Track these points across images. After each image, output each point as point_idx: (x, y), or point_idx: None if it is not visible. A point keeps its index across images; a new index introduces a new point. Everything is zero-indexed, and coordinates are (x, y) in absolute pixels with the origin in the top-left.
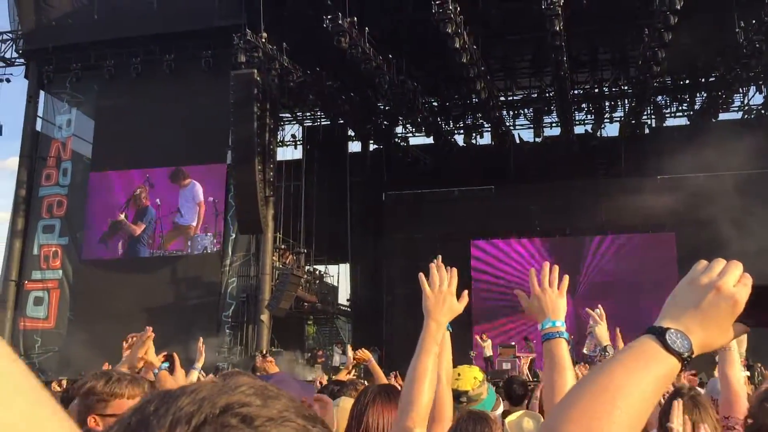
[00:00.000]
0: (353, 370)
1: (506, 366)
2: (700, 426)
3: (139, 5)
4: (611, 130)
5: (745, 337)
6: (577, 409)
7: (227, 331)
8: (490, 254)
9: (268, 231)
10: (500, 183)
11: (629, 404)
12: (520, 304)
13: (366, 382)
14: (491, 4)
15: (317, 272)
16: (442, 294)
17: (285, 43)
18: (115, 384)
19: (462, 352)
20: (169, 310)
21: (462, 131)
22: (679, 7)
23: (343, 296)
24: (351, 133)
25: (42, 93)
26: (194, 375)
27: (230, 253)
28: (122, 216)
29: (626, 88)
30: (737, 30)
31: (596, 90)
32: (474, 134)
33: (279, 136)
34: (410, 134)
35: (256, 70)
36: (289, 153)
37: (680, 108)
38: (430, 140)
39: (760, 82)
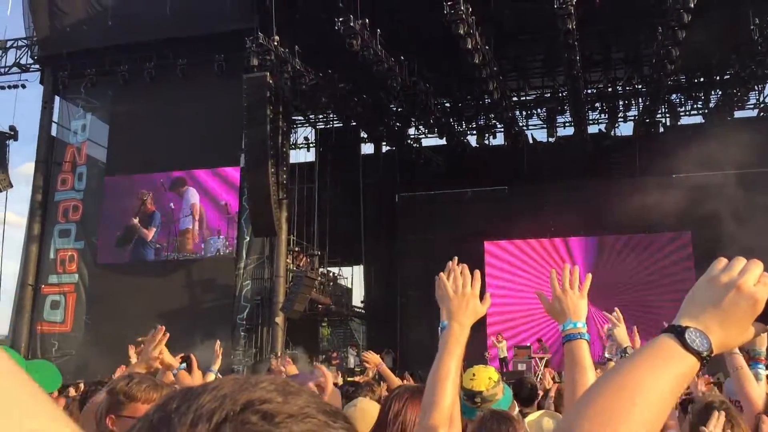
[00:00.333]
0: (369, 373)
1: (521, 367)
2: None
3: (153, 10)
4: (625, 129)
5: (764, 336)
6: (595, 407)
7: (242, 333)
8: (503, 255)
9: (281, 233)
10: (514, 183)
11: (647, 402)
12: (534, 305)
13: (381, 383)
14: (503, 5)
15: (331, 274)
16: (466, 296)
17: (297, 46)
18: (135, 386)
19: (477, 354)
20: (184, 313)
21: (475, 132)
22: (692, 5)
23: (357, 298)
24: (364, 135)
25: (57, 98)
26: (211, 377)
27: (244, 256)
28: (136, 220)
29: (640, 86)
30: (752, 27)
31: (610, 89)
32: (487, 135)
33: (292, 139)
34: (423, 135)
35: (268, 74)
36: (302, 155)
37: (695, 106)
38: (442, 141)
39: None
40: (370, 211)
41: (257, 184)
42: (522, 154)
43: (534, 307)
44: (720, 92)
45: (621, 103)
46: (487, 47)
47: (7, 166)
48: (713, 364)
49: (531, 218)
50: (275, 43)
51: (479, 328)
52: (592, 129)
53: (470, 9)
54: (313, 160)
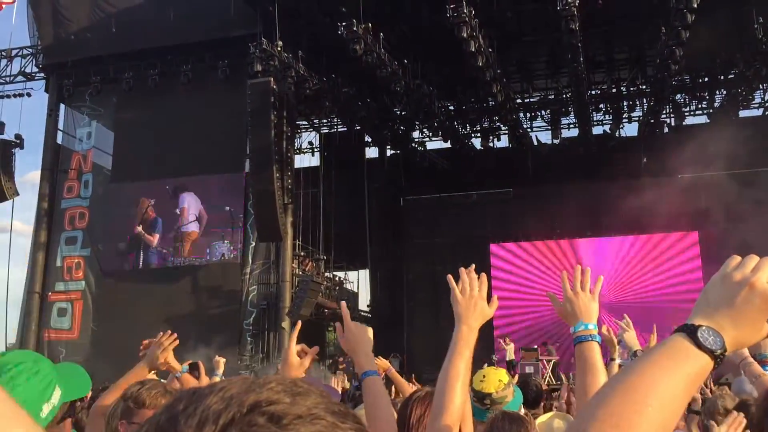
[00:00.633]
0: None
1: (529, 369)
2: None
3: (156, 17)
4: (630, 129)
5: None
6: (607, 408)
7: (248, 339)
8: (509, 257)
9: (287, 238)
10: (518, 185)
11: (660, 402)
12: (541, 307)
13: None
14: (506, 7)
15: (337, 278)
16: (474, 299)
17: (300, 51)
18: (145, 392)
19: (484, 356)
20: (191, 319)
21: (479, 134)
22: (696, 5)
23: (364, 302)
24: (368, 138)
25: (62, 106)
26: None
27: (250, 261)
28: (139, 228)
29: (644, 87)
30: (756, 26)
31: (614, 90)
32: (491, 137)
33: (296, 144)
34: (427, 139)
35: (272, 79)
36: (306, 160)
37: (700, 106)
38: (447, 144)
39: None
40: (375, 214)
41: (262, 189)
42: (526, 156)
43: (540, 309)
44: (724, 92)
45: (625, 103)
46: (490, 49)
47: (13, 175)
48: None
49: (536, 220)
50: (278, 49)
51: (486, 330)
52: (597, 130)
53: (473, 11)
54: (318, 164)
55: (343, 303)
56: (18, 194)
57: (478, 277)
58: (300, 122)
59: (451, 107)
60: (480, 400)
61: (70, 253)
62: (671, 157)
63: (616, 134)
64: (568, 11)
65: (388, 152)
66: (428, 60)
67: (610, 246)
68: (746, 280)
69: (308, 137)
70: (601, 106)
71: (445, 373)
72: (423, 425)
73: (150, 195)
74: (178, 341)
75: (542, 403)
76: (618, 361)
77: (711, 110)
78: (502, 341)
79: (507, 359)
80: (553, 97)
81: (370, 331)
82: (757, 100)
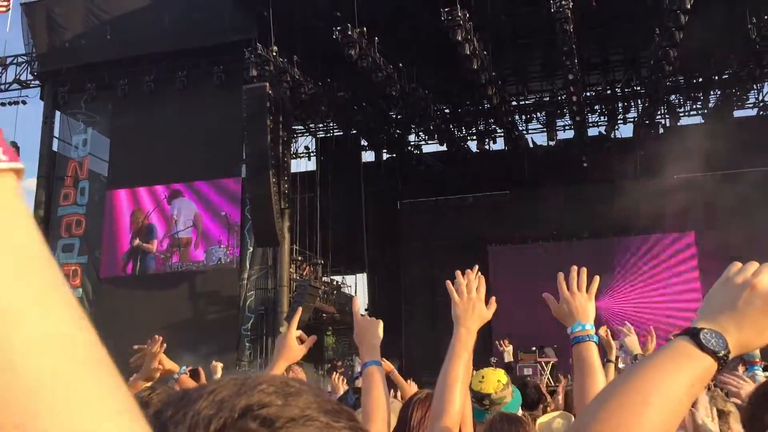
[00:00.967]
0: None
1: (527, 371)
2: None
3: (151, 24)
4: (625, 131)
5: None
6: (609, 408)
7: (247, 344)
8: (506, 259)
9: (284, 243)
10: (515, 188)
11: (662, 403)
12: (539, 309)
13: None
14: (500, 10)
15: (335, 283)
16: (471, 301)
17: (296, 56)
18: (155, 397)
19: (483, 358)
20: (189, 325)
21: (475, 137)
22: (689, 6)
23: (361, 306)
24: (364, 142)
25: (57, 114)
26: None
27: (248, 266)
28: (137, 241)
29: (639, 88)
30: (749, 26)
31: (608, 91)
32: (487, 140)
33: (292, 149)
34: (423, 142)
35: (267, 84)
36: (303, 165)
37: (694, 106)
38: (443, 147)
39: None
40: (372, 218)
41: (259, 194)
42: (522, 158)
43: (538, 311)
44: (719, 92)
45: (620, 105)
46: (485, 52)
47: None
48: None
49: (533, 222)
50: (274, 54)
51: (484, 333)
52: (592, 132)
53: (467, 15)
54: (314, 169)
55: (355, 298)
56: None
57: (476, 279)
58: (296, 127)
59: (447, 110)
60: (479, 400)
61: (67, 260)
62: (667, 158)
63: (612, 135)
64: (561, 14)
65: (385, 156)
66: (423, 64)
67: (607, 247)
68: (747, 282)
69: (304, 142)
70: (596, 107)
71: (444, 376)
72: (424, 427)
73: (146, 201)
74: (164, 345)
75: (541, 405)
76: (620, 365)
77: (705, 111)
78: (500, 343)
79: (505, 361)
80: (548, 99)
81: (380, 325)
82: (752, 100)
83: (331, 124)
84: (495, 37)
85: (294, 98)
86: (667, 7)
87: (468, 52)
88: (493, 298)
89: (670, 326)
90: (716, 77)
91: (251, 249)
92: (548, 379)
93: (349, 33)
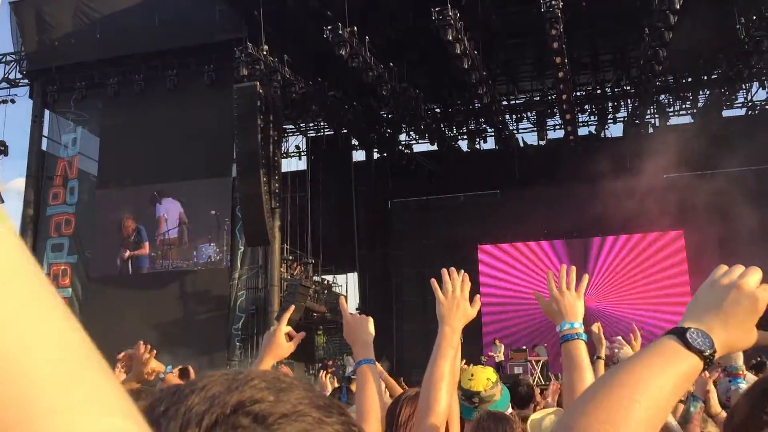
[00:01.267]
0: None
1: (518, 370)
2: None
3: (141, 22)
4: (615, 130)
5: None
6: (595, 404)
7: (237, 344)
8: (497, 259)
9: (275, 242)
10: (505, 187)
11: (648, 400)
12: (529, 308)
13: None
14: (491, 10)
15: (325, 282)
16: (456, 300)
17: (286, 55)
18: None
19: (473, 358)
20: (180, 325)
21: (465, 137)
22: (678, 6)
23: (352, 305)
24: (355, 142)
25: (47, 112)
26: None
27: (239, 266)
28: (127, 253)
29: (628, 88)
30: (738, 26)
31: (599, 91)
32: (478, 139)
33: (283, 148)
34: (414, 141)
35: (258, 83)
36: (293, 164)
37: (684, 106)
38: (434, 147)
39: (763, 78)
40: (363, 218)
41: (249, 193)
42: (513, 157)
43: (528, 310)
44: (708, 92)
45: (610, 104)
46: (475, 52)
47: None
48: None
49: (524, 221)
50: (264, 53)
51: (474, 332)
52: (582, 131)
53: (458, 14)
54: (305, 168)
55: (342, 298)
56: (3, 201)
57: (460, 276)
58: (287, 126)
59: (438, 110)
60: (468, 398)
61: (56, 260)
62: (656, 158)
63: (602, 135)
64: (551, 13)
65: (375, 155)
66: (414, 63)
67: (596, 246)
68: (734, 284)
69: (295, 141)
70: (587, 107)
71: (430, 375)
72: (412, 424)
73: (134, 202)
74: (154, 351)
75: (532, 404)
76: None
77: (695, 110)
78: (494, 343)
79: (496, 360)
80: (538, 98)
81: (371, 322)
82: (740, 99)
83: (322, 124)
84: (485, 36)
85: (285, 97)
86: (656, 8)
87: (458, 52)
88: (478, 296)
89: (658, 325)
90: (705, 77)
91: (242, 248)
92: (539, 377)
93: (340, 32)
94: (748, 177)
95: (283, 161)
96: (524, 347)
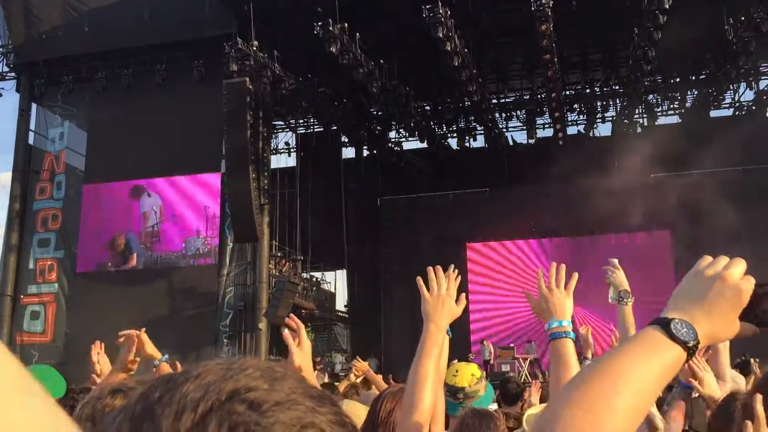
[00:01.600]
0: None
1: (505, 368)
2: None
3: (130, 17)
4: (604, 129)
5: (727, 351)
6: (579, 394)
7: (225, 340)
8: (485, 257)
9: (263, 239)
10: (495, 185)
11: (632, 390)
12: (517, 307)
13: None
14: (482, 8)
15: (314, 279)
16: (441, 298)
17: (276, 51)
18: (109, 399)
19: (461, 355)
20: (167, 321)
21: (455, 135)
22: (667, 6)
23: (341, 302)
24: (344, 139)
25: (34, 106)
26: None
27: (227, 262)
28: (113, 268)
29: (617, 87)
30: (726, 27)
31: (588, 90)
32: (467, 137)
33: (272, 144)
34: (404, 139)
35: (248, 79)
36: (283, 160)
37: (672, 106)
38: (423, 145)
39: (750, 79)
40: (352, 215)
41: (238, 189)
42: (502, 156)
43: (517, 308)
44: (696, 92)
45: (599, 104)
46: (466, 50)
47: None
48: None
49: (512, 220)
50: (254, 49)
51: (462, 329)
52: (571, 130)
53: (449, 12)
54: (295, 164)
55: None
56: None
57: (446, 276)
58: (276, 122)
59: (428, 107)
60: (453, 394)
61: (42, 255)
62: (644, 157)
63: (591, 134)
64: (542, 12)
65: (365, 152)
66: (404, 60)
67: (584, 245)
68: (718, 274)
69: (284, 137)
70: (576, 106)
71: (414, 373)
72: (392, 419)
73: (121, 201)
74: (135, 340)
75: (520, 402)
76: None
77: (683, 110)
78: (483, 342)
79: (484, 359)
80: (528, 97)
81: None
82: (728, 100)
83: (312, 120)
84: (476, 34)
85: (274, 93)
86: (645, 8)
87: (449, 50)
88: (463, 295)
89: (643, 325)
90: (693, 77)
91: (231, 245)
92: (526, 375)
93: (331, 29)
94: (735, 177)
95: (273, 158)
96: (512, 345)
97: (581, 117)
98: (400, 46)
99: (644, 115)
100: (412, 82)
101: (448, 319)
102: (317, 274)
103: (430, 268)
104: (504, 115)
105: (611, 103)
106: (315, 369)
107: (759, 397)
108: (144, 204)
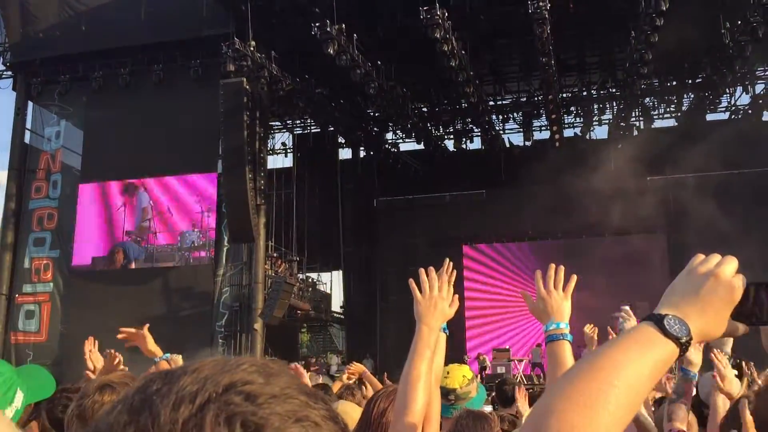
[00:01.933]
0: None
1: (501, 370)
2: None
3: (127, 16)
4: (600, 132)
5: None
6: (573, 387)
7: (220, 341)
8: (482, 258)
9: (259, 239)
10: (491, 187)
11: (625, 385)
12: (513, 308)
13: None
14: (479, 10)
15: (310, 280)
16: (433, 299)
17: (273, 51)
18: (97, 395)
19: (456, 357)
20: (162, 321)
21: (452, 136)
22: (664, 9)
23: (337, 303)
24: (341, 140)
25: (30, 105)
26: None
27: (223, 262)
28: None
29: (614, 90)
30: (723, 31)
31: (584, 93)
32: (464, 139)
33: (269, 145)
34: (400, 140)
35: (245, 79)
36: (279, 161)
37: (668, 109)
38: (420, 146)
39: (747, 83)
40: (348, 216)
41: (234, 190)
42: (499, 158)
43: (513, 310)
44: (692, 95)
45: (595, 106)
46: (463, 52)
47: None
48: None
49: (509, 222)
50: (251, 49)
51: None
52: (568, 132)
53: (446, 14)
54: (291, 165)
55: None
56: None
57: (439, 276)
58: (273, 123)
59: (425, 109)
60: (444, 395)
61: (38, 254)
62: (640, 160)
63: (587, 137)
64: (539, 15)
65: (362, 153)
66: (402, 62)
67: (580, 247)
68: (711, 272)
69: (281, 138)
70: (572, 108)
71: (407, 374)
72: (385, 419)
73: (118, 195)
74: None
75: (516, 404)
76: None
77: (679, 113)
78: (478, 358)
79: (481, 365)
80: (525, 99)
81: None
82: (724, 104)
83: (309, 121)
84: (473, 36)
85: (271, 94)
86: (642, 11)
87: (446, 51)
88: (456, 297)
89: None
90: (690, 81)
91: (227, 245)
92: (521, 377)
93: (328, 29)
94: (731, 180)
95: (269, 158)
96: (507, 347)
97: (578, 119)
98: (397, 48)
99: (640, 118)
100: (409, 83)
101: (440, 321)
102: (313, 275)
103: (422, 270)
104: (501, 117)
105: (608, 105)
106: (309, 370)
107: (745, 402)
108: (140, 201)
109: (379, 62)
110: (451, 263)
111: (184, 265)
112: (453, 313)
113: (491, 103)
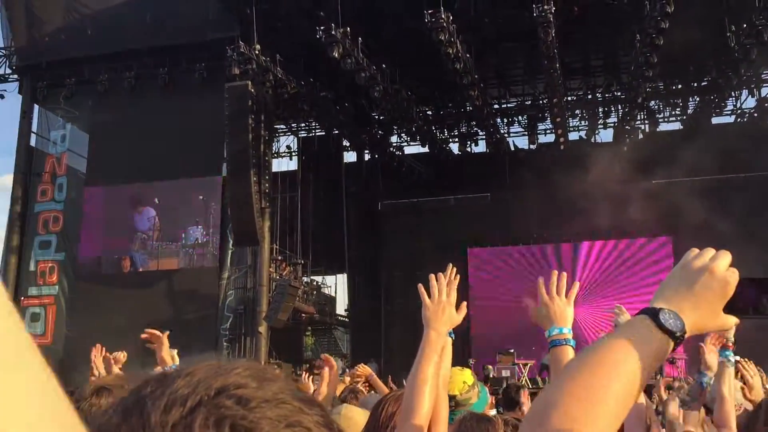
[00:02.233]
0: (358, 383)
1: (505, 373)
2: None
3: (133, 19)
4: (605, 135)
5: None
6: (574, 381)
7: (225, 344)
8: (487, 262)
9: (264, 243)
10: (496, 190)
11: (625, 378)
12: (517, 312)
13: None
14: (484, 13)
15: (315, 283)
16: (442, 304)
17: (279, 55)
18: (94, 398)
19: (461, 362)
20: (167, 324)
21: (457, 140)
22: (669, 11)
23: (341, 306)
24: (346, 143)
25: (36, 108)
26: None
27: (228, 266)
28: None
29: (619, 93)
30: (728, 34)
31: (589, 96)
32: (469, 142)
33: (274, 148)
34: (405, 143)
35: (250, 82)
36: (284, 164)
37: (673, 112)
38: (425, 149)
39: (752, 86)
40: (353, 219)
41: (239, 193)
42: (504, 161)
43: (517, 314)
44: (697, 99)
45: (601, 110)
46: (468, 55)
47: None
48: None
49: (513, 225)
50: (256, 52)
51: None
52: (573, 136)
53: (451, 17)
54: (296, 168)
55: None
56: None
57: (448, 283)
58: (278, 126)
59: (429, 112)
60: None
61: (43, 257)
62: (646, 163)
63: (592, 140)
64: (544, 18)
65: (366, 156)
66: (406, 65)
67: (585, 251)
68: (705, 266)
69: (286, 141)
70: (577, 112)
71: (413, 378)
72: (393, 423)
73: (124, 199)
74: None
75: (519, 407)
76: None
77: (684, 117)
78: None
79: (485, 373)
80: (529, 102)
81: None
82: (730, 107)
83: (313, 124)
84: (478, 39)
85: (276, 97)
86: (647, 14)
87: (451, 54)
88: (464, 303)
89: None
90: (695, 84)
91: (231, 248)
92: (526, 380)
93: (333, 33)
94: (737, 184)
95: (274, 161)
96: (512, 350)
97: (583, 123)
98: (402, 51)
99: (646, 121)
100: (414, 86)
101: (448, 326)
102: (318, 278)
103: (431, 275)
104: (505, 120)
105: (613, 108)
106: (314, 373)
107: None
108: (147, 211)
109: (383, 65)
110: (455, 268)
111: (189, 268)
112: (461, 319)
113: (496, 106)
